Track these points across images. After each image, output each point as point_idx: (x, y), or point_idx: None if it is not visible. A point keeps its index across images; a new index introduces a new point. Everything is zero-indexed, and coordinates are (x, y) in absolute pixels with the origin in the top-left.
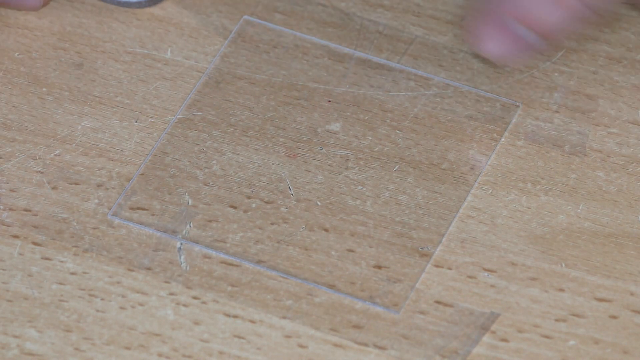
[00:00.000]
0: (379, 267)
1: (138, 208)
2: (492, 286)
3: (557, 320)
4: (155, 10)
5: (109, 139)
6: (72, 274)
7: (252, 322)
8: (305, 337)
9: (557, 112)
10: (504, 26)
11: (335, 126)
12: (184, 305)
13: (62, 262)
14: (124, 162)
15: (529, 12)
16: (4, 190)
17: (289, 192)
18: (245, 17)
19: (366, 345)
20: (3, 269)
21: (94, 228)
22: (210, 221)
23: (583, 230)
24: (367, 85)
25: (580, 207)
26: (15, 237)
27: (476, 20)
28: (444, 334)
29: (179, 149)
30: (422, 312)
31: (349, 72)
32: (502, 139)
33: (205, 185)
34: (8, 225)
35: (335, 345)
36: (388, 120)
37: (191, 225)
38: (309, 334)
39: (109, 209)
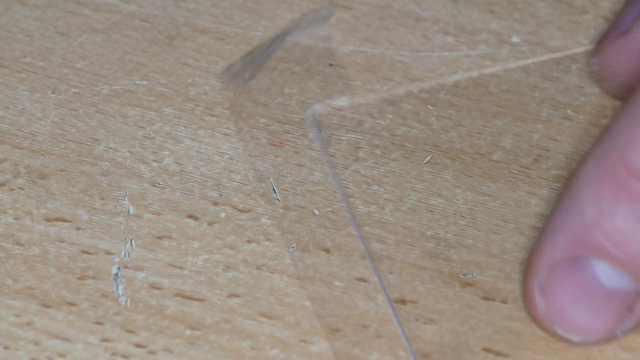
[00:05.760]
0: (403, 302)
1: (56, 219)
2: None
3: None
4: None
5: (13, 117)
6: None
7: None
8: None
9: None
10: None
11: (339, 100)
12: (123, 357)
13: None
14: (36, 151)
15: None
16: None
17: (274, 195)
18: None
19: None
20: None
21: None
22: (160, 237)
23: None
24: (385, 41)
25: None
26: None
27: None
28: None
29: (114, 133)
30: None
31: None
32: (581, 117)
33: (153, 186)
34: None
35: None
36: (416, 92)
37: (133, 243)
38: None
39: (16, 219)
